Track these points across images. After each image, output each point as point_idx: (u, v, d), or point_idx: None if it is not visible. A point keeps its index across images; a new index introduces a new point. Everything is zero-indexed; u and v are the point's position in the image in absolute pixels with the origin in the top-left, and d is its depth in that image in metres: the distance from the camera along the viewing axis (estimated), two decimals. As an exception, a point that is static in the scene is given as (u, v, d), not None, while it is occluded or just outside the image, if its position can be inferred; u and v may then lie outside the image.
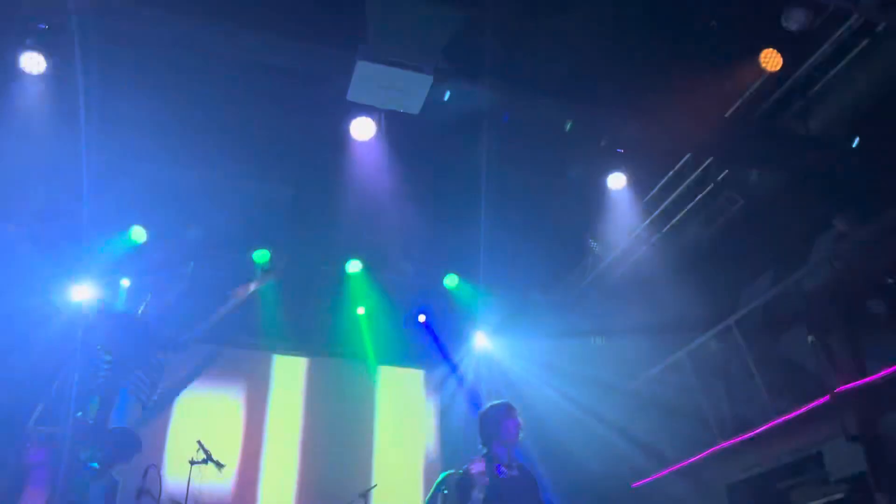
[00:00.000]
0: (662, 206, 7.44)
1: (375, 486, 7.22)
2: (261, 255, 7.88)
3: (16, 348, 6.24)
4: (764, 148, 6.44)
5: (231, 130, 6.44)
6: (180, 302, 7.80)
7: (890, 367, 5.26)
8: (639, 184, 7.36)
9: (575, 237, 8.35)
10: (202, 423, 7.75)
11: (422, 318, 9.57)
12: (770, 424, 6.34)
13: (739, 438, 6.72)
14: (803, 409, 5.97)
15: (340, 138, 6.34)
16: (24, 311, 6.52)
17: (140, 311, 6.51)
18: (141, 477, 4.48)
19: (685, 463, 7.42)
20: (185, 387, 7.80)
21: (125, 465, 5.83)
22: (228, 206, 7.22)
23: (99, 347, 6.19)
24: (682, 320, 7.39)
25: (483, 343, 9.88)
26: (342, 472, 8.34)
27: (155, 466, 4.49)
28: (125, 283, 7.97)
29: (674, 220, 7.39)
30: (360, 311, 9.23)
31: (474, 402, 9.50)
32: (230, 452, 6.95)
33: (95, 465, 5.53)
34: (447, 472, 6.17)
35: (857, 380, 5.52)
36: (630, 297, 8.05)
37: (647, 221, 7.60)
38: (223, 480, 7.50)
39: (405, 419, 9.56)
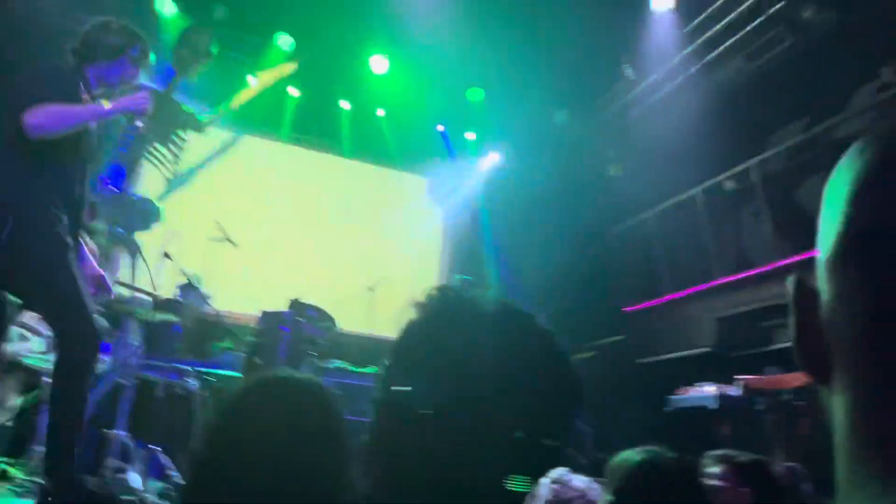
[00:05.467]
0: (706, 35, 7.09)
1: (381, 280, 7.54)
2: (285, 42, 7.64)
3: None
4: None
5: None
6: (203, 82, 7.70)
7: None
8: (685, 8, 6.98)
9: (608, 60, 8.04)
10: (219, 204, 7.92)
11: (440, 127, 9.47)
12: (771, 266, 6.51)
13: (738, 276, 6.92)
14: (807, 255, 6.11)
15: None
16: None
17: (168, 88, 6.45)
18: (162, 242, 4.68)
19: (680, 294, 7.69)
20: (204, 167, 7.87)
21: (147, 233, 6.08)
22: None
23: (126, 119, 6.20)
24: (704, 157, 7.31)
25: (495, 161, 9.80)
26: (350, 265, 8.67)
27: (175, 231, 4.67)
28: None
29: (716, 52, 7.08)
30: (380, 112, 9.11)
31: (477, 218, 9.65)
32: (243, 234, 7.14)
33: (121, 230, 5.76)
34: None
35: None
36: (656, 128, 7.91)
37: (688, 50, 7.28)
38: (236, 260, 7.80)
39: (412, 224, 9.70)
